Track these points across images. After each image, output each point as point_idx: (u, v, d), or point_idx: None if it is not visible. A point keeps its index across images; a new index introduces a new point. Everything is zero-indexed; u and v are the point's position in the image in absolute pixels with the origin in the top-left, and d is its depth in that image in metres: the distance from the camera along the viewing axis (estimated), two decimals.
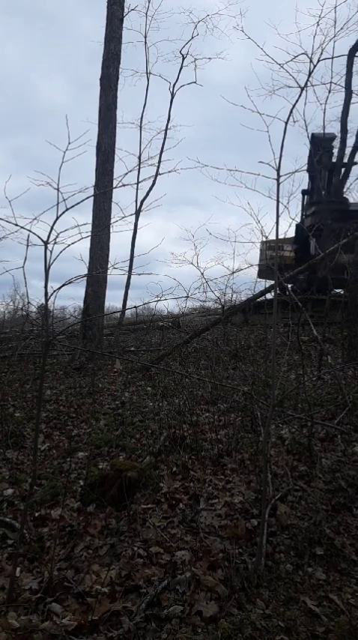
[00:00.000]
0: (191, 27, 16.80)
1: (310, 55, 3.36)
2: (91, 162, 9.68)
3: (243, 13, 17.92)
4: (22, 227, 2.32)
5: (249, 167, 2.99)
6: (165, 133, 13.94)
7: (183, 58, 14.05)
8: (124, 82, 16.10)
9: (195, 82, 14.42)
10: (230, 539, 2.66)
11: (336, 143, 14.29)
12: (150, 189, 13.37)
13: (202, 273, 12.66)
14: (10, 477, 3.53)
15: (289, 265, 12.63)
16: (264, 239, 11.89)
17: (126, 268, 12.72)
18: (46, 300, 2.31)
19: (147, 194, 13.34)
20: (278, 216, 3.02)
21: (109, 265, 9.94)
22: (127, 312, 13.51)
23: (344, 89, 14.27)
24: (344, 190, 13.94)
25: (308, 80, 3.04)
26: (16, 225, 2.33)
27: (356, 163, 14.13)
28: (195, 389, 5.73)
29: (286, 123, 2.66)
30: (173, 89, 14.16)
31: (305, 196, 14.96)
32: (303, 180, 14.96)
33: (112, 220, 9.52)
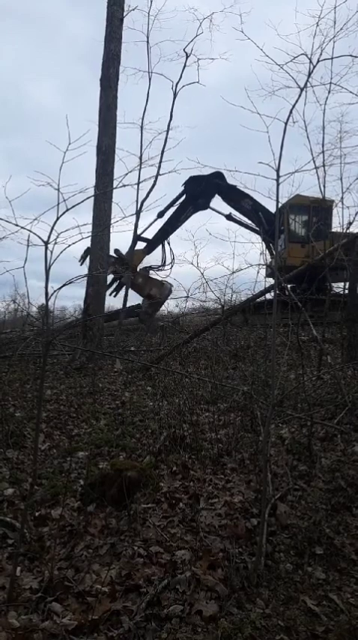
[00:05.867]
0: (194, 26, 16.83)
1: (310, 56, 3.36)
2: (90, 163, 9.69)
3: (244, 13, 17.78)
4: (22, 227, 2.33)
5: (247, 168, 3.01)
6: (167, 133, 13.93)
7: (187, 57, 14.01)
8: (127, 80, 16.08)
9: (197, 82, 14.42)
10: (230, 539, 2.67)
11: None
12: (151, 189, 13.39)
13: (202, 273, 12.64)
14: (10, 477, 3.53)
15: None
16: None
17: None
18: (47, 300, 2.31)
19: (148, 194, 13.36)
20: (278, 216, 3.02)
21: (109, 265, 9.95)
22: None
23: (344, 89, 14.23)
24: (344, 191, 13.87)
25: (307, 81, 3.04)
26: (17, 225, 2.33)
27: None
28: (195, 389, 5.74)
29: (286, 123, 2.67)
30: (175, 88, 14.15)
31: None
32: (304, 180, 14.83)
33: (113, 221, 9.51)
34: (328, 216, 14.13)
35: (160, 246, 13.76)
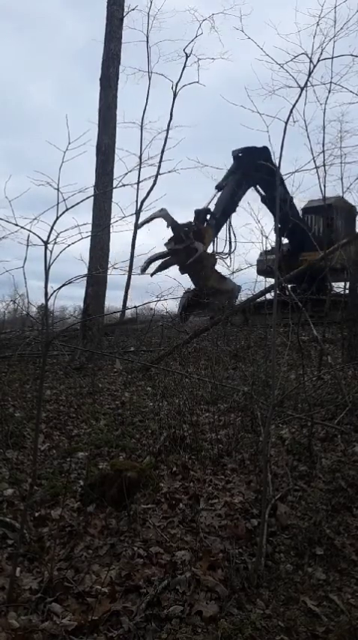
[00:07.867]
0: (194, 26, 16.85)
1: (310, 55, 3.36)
2: (90, 162, 9.68)
3: (244, 16, 17.75)
4: (22, 227, 2.33)
5: None
6: (167, 133, 13.98)
7: (187, 57, 14.10)
8: (127, 80, 16.06)
9: (197, 82, 14.46)
10: (230, 539, 2.66)
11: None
12: (151, 189, 13.44)
13: None
14: (10, 477, 3.53)
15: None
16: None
17: (126, 268, 12.71)
18: (46, 300, 2.30)
19: (148, 194, 13.40)
20: (278, 216, 3.02)
21: (109, 265, 9.94)
22: (127, 312, 13.55)
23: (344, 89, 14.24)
24: (344, 191, 13.82)
25: (308, 80, 3.05)
26: (16, 225, 2.33)
27: None
28: (195, 389, 5.73)
29: (286, 123, 2.67)
30: (175, 88, 14.21)
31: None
32: (304, 180, 14.75)
33: (112, 220, 9.50)
34: (353, 221, 14.47)
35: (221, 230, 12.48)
